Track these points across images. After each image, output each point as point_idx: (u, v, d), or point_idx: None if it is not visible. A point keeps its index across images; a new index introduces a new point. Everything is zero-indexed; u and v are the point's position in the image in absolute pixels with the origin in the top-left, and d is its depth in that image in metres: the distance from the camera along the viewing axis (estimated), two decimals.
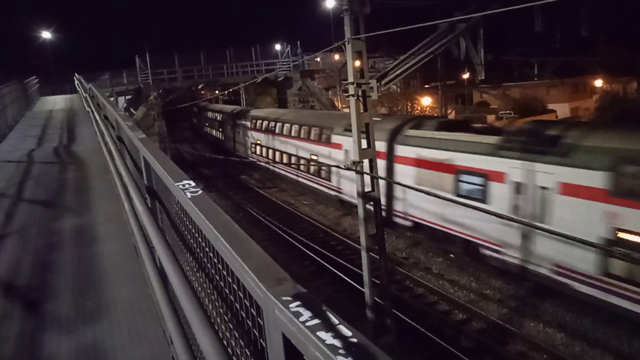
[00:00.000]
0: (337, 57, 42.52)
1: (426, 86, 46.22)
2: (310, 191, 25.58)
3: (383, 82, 13.56)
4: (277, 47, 42.94)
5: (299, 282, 1.38)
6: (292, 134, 27.39)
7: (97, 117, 10.58)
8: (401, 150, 17.73)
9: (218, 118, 44.84)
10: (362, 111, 12.81)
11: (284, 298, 1.27)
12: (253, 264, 1.49)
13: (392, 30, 10.58)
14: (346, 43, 12.11)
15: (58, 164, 10.77)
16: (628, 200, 10.90)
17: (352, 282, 15.80)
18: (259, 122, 32.56)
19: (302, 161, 25.98)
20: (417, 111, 35.79)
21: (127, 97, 39.60)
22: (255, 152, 33.09)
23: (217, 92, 50.80)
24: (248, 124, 34.25)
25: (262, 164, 32.51)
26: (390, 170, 18.17)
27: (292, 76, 38.96)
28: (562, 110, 45.05)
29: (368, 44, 12.67)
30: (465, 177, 15.14)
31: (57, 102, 27.99)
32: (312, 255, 18.51)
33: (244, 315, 1.64)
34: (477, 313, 13.90)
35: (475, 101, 51.06)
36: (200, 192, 2.34)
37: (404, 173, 17.47)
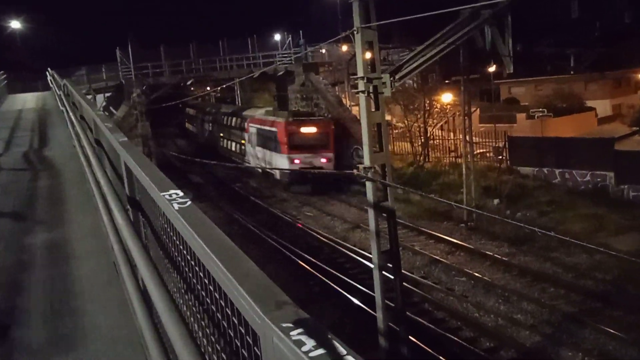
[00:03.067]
0: (345, 48, 42.59)
1: (446, 81, 46.21)
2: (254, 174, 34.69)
3: (397, 77, 13.56)
4: (277, 37, 43.18)
5: (302, 305, 1.38)
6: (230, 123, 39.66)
7: (73, 118, 10.64)
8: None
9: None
10: (373, 109, 12.84)
11: (284, 324, 1.27)
12: (249, 285, 1.49)
13: (408, 18, 10.62)
14: (355, 32, 12.16)
15: (28, 171, 10.83)
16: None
17: (363, 305, 15.75)
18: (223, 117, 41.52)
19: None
20: (436, 109, 35.79)
21: (107, 94, 39.80)
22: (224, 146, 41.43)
23: (208, 88, 50.91)
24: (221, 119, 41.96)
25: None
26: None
27: (293, 70, 39.03)
28: (602, 107, 44.87)
29: (380, 34, 12.71)
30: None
31: (27, 101, 28.19)
32: (317, 274, 18.48)
33: (238, 344, 1.64)
34: (507, 341, 13.83)
35: (502, 97, 50.99)
36: (189, 203, 2.35)
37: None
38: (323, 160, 29.98)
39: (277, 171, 30.67)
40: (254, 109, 40.24)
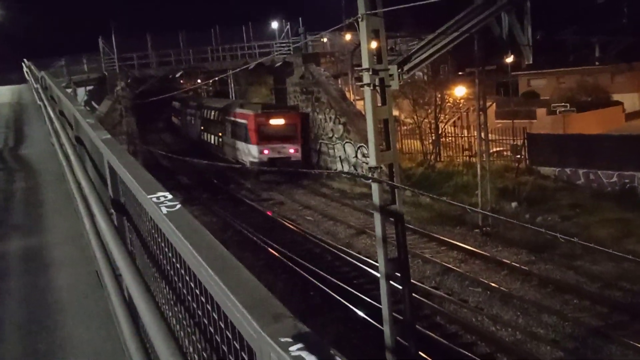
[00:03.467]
0: (348, 37, 42.63)
1: (460, 73, 46.22)
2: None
3: (406, 69, 13.56)
4: (274, 25, 43.15)
5: (302, 318, 1.38)
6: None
7: (51, 113, 10.65)
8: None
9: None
10: (379, 104, 12.84)
11: (283, 339, 1.28)
12: (244, 295, 1.49)
13: (418, 4, 10.62)
14: (360, 20, 12.16)
15: (2, 172, 10.85)
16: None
17: (368, 318, 15.75)
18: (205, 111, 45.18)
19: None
20: (448, 104, 35.79)
21: (88, 87, 39.83)
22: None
23: (199, 81, 51.00)
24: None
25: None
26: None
27: (292, 61, 39.06)
28: (630, 101, 44.85)
29: (387, 21, 12.72)
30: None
31: (1, 94, 28.24)
32: (318, 284, 18.48)
33: None
34: (526, 357, 13.81)
35: (521, 91, 50.97)
36: (178, 206, 2.36)
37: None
38: (291, 150, 34.02)
39: (247, 160, 34.45)
40: (231, 101, 44.24)
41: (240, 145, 35.84)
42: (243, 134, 35.28)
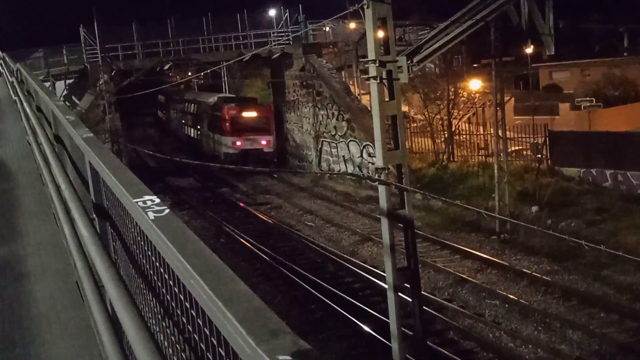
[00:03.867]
0: (353, 25, 42.63)
1: (475, 65, 46.24)
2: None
3: (415, 60, 13.58)
4: (272, 12, 43.18)
5: (301, 334, 1.38)
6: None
7: (28, 109, 10.67)
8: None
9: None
10: (387, 99, 12.85)
11: (281, 357, 1.27)
12: (238, 309, 1.49)
13: None
14: (365, 7, 12.17)
15: None
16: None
17: (375, 334, 15.75)
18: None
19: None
20: (462, 99, 35.78)
21: (68, 81, 39.89)
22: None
23: (189, 74, 51.13)
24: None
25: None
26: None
27: (291, 52, 39.06)
28: None
29: (395, 8, 12.73)
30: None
31: None
32: (320, 296, 18.49)
33: None
34: None
35: (542, 84, 50.99)
36: (167, 211, 2.36)
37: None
38: (263, 142, 38.00)
39: (222, 152, 38.54)
40: (210, 94, 47.69)
41: (217, 137, 39.75)
42: (218, 127, 39.38)
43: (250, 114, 38.77)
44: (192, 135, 47.26)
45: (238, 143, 37.63)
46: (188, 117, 48.49)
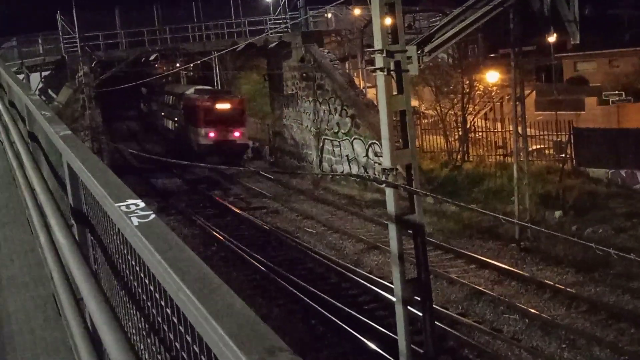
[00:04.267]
0: (357, 12, 42.72)
1: (492, 55, 46.30)
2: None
3: (427, 50, 13.59)
4: None
5: (300, 352, 1.38)
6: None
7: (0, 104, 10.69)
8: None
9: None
10: (395, 93, 12.86)
11: None
12: (230, 324, 1.49)
13: None
14: None
15: None
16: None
17: (381, 352, 15.75)
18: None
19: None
20: (478, 92, 35.79)
21: (44, 73, 39.90)
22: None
23: (177, 65, 51.25)
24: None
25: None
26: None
27: (289, 41, 39.10)
28: None
29: None
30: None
31: None
32: (320, 309, 18.49)
33: None
34: None
35: (566, 76, 50.99)
36: (152, 216, 2.36)
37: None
38: (237, 134, 41.43)
39: (196, 143, 41.72)
40: (185, 86, 52.31)
41: (191, 128, 43.15)
42: (193, 118, 42.78)
43: (223, 106, 42.04)
44: (170, 127, 51.14)
45: (211, 134, 40.85)
46: (167, 110, 51.82)
